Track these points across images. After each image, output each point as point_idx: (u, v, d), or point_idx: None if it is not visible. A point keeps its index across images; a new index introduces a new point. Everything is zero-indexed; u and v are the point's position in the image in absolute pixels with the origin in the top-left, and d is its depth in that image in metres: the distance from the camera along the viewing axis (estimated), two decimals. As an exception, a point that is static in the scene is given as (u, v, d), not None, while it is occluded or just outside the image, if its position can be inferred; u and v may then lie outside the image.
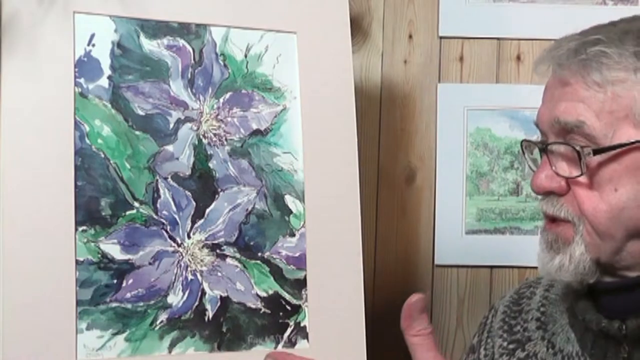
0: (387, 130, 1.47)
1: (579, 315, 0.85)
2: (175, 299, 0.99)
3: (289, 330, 1.04)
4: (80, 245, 0.95)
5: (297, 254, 1.06)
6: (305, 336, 1.05)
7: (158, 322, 0.98)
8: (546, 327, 0.90)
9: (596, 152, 0.76)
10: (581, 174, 0.78)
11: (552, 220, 0.82)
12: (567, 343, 0.87)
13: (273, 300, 1.04)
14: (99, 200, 0.97)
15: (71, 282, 0.94)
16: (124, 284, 0.97)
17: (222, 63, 1.06)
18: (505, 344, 0.94)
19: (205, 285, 1.01)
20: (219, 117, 1.05)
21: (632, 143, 0.76)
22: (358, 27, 1.44)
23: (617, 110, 0.76)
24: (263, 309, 1.03)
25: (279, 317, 1.04)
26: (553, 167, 0.80)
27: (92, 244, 0.96)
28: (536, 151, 0.85)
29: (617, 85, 0.76)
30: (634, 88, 0.76)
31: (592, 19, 0.84)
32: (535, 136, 0.85)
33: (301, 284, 1.05)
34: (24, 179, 0.93)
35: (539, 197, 0.83)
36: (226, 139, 1.05)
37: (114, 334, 0.96)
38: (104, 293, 0.96)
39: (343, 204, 1.08)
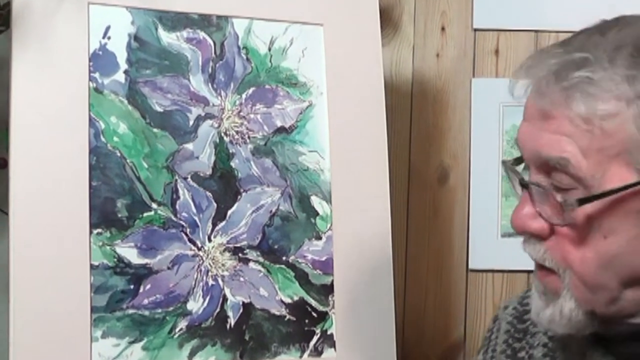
0: (418, 127, 1.44)
1: None
2: (195, 305, 0.98)
3: (315, 338, 1.03)
4: (95, 249, 0.94)
5: (323, 258, 1.05)
6: (333, 345, 1.04)
7: (177, 329, 0.97)
8: (554, 355, 0.83)
9: (582, 201, 0.67)
10: (564, 225, 0.69)
11: (540, 266, 0.73)
12: None
13: (298, 307, 1.03)
14: (115, 202, 0.95)
15: (85, 288, 0.92)
16: (141, 290, 0.96)
17: (244, 57, 1.04)
18: None
19: (227, 291, 1.00)
20: (242, 113, 1.03)
21: (625, 187, 0.66)
22: (388, 19, 1.42)
23: (608, 148, 0.66)
24: (288, 316, 1.02)
25: (305, 325, 1.03)
26: (535, 207, 0.71)
27: (108, 247, 0.95)
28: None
29: (606, 120, 0.65)
30: (627, 122, 0.65)
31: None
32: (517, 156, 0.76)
33: (328, 289, 1.04)
34: (36, 179, 0.92)
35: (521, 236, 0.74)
36: (249, 137, 1.03)
37: (131, 342, 0.95)
38: (120, 299, 0.95)
39: (372, 205, 1.07)
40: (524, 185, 0.72)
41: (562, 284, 0.71)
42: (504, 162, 0.75)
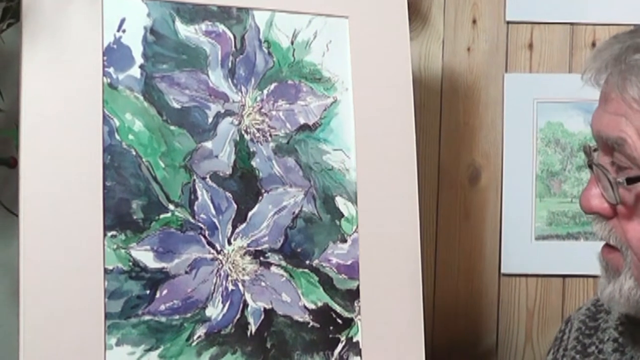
0: (448, 125, 1.44)
1: None
2: (215, 311, 0.97)
3: (340, 346, 1.02)
4: (110, 252, 0.93)
5: (349, 262, 1.04)
6: (358, 352, 1.02)
7: (195, 337, 0.96)
8: (624, 350, 0.86)
9: (630, 180, 0.73)
10: (617, 203, 0.75)
11: (606, 243, 0.79)
12: None
13: (322, 313, 1.02)
14: (130, 203, 0.94)
15: (99, 293, 0.91)
16: (157, 295, 0.95)
17: (266, 51, 1.03)
18: None
19: (248, 297, 0.99)
20: (263, 110, 1.02)
21: None
22: (416, 11, 1.43)
23: None
24: (311, 323, 1.01)
25: (329, 332, 1.02)
26: (599, 187, 0.77)
27: (123, 250, 0.93)
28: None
29: None
30: None
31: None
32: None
33: (353, 294, 1.03)
34: (47, 179, 0.91)
35: (590, 216, 0.80)
36: (271, 135, 1.02)
37: (147, 350, 0.93)
38: (136, 305, 0.93)
39: (400, 206, 1.06)
40: (590, 166, 0.78)
41: (623, 261, 0.76)
42: (583, 146, 0.82)
